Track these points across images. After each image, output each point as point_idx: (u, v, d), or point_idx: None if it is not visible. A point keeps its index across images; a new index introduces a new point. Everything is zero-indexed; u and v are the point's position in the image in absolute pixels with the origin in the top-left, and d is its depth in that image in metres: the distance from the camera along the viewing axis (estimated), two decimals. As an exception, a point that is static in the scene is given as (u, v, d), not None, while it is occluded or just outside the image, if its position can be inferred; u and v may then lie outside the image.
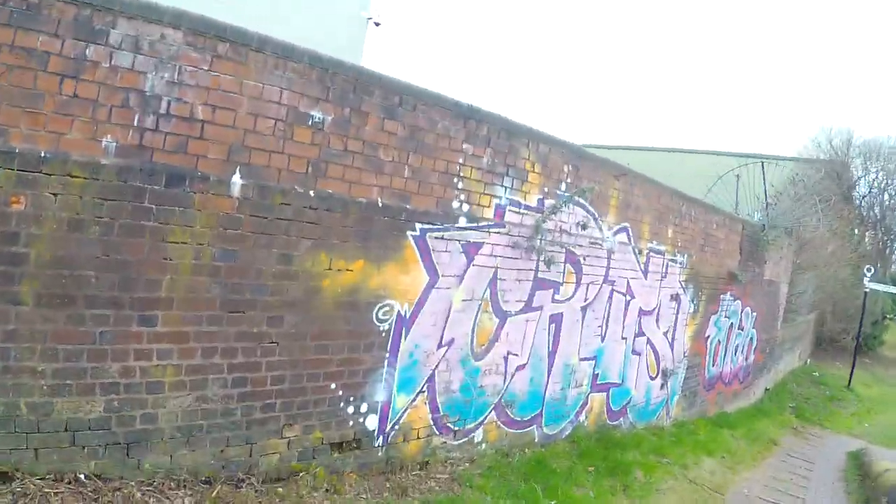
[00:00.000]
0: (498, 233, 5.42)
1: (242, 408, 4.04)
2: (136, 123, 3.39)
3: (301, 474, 4.35)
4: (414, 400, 5.03)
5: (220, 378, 3.92)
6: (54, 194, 3.19)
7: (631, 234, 7.34)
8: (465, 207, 5.11)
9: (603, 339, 7.18)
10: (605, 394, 7.47)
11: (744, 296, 11.36)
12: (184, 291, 3.70)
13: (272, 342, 4.12)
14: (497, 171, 5.34)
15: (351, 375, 4.57)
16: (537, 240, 5.77)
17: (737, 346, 11.64)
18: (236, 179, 3.80)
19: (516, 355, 5.93)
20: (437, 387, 5.18)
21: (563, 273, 6.30)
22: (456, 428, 5.45)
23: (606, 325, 7.19)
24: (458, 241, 5.09)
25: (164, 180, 3.52)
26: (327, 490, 4.41)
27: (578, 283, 6.55)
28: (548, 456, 6.39)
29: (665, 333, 8.69)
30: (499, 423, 5.92)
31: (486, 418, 5.74)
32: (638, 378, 8.19)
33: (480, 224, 5.25)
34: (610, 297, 7.13)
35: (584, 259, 6.54)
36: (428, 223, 4.83)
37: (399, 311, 4.76)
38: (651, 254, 7.88)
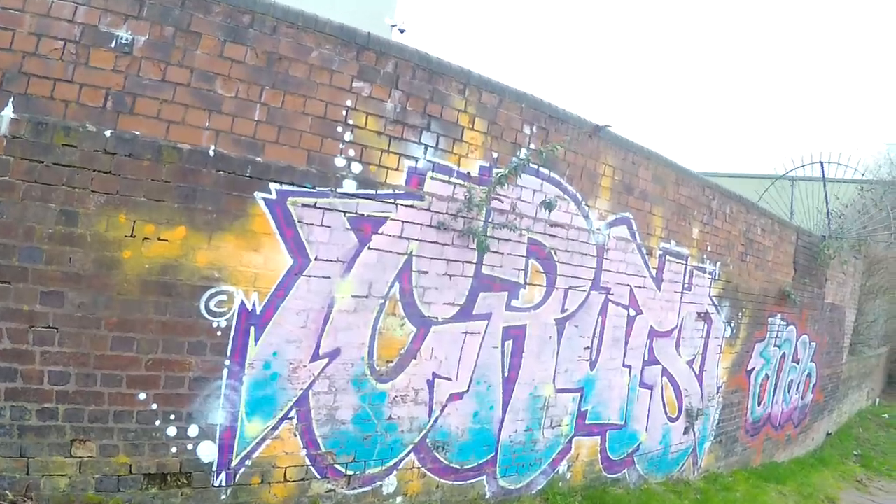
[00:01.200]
0: (412, 206, 3.97)
1: (12, 409, 2.94)
2: None
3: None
4: (275, 428, 3.61)
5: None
6: None
7: (635, 227, 5.68)
8: (357, 168, 3.70)
9: (593, 366, 5.50)
10: (598, 438, 5.75)
11: (800, 321, 9.29)
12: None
13: (49, 326, 2.96)
14: (411, 123, 3.91)
15: (170, 384, 3.25)
16: (479, 220, 4.25)
17: (790, 383, 9.52)
18: (6, 113, 2.84)
19: (448, 379, 4.39)
20: (313, 413, 3.74)
21: (526, 271, 4.73)
22: (349, 472, 3.96)
23: (598, 348, 5.51)
24: (344, 212, 3.67)
25: None
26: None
27: (551, 287, 4.95)
28: (503, 517, 4.77)
29: (689, 363, 6.87)
30: (424, 469, 4.37)
31: (400, 462, 4.21)
32: (650, 419, 6.39)
33: (382, 192, 3.81)
34: (603, 310, 5.47)
35: (558, 254, 4.95)
36: (291, 184, 3.44)
37: (244, 303, 3.38)
38: (667, 257, 6.16)
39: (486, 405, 4.67)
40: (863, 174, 11.10)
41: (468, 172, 4.22)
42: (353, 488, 4.00)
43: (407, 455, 4.24)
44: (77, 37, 2.94)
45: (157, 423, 3.23)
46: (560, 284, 5.02)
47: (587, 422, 5.57)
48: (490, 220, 4.35)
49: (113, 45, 2.99)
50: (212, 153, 3.22)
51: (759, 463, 8.94)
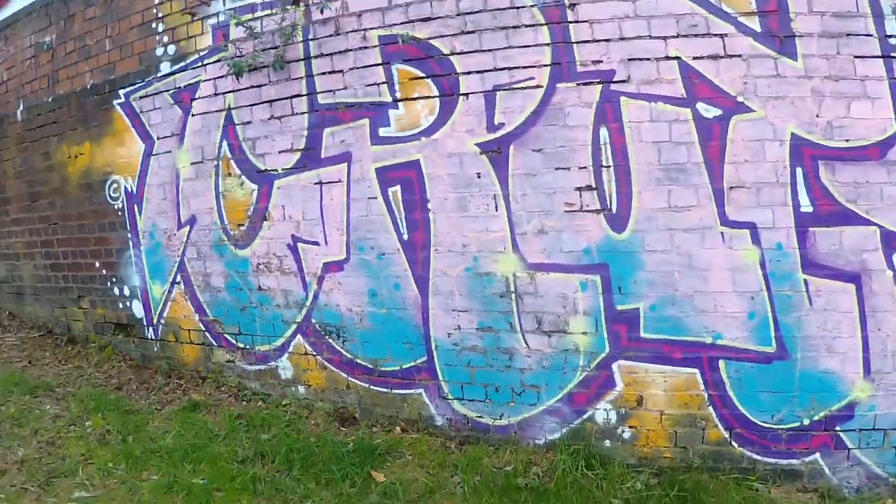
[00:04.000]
0: (218, 61, 3.70)
1: (53, 277, 4.84)
2: None
3: (92, 345, 4.59)
4: (170, 291, 4.11)
5: (39, 252, 4.93)
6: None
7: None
8: (171, 49, 3.94)
9: (623, 225, 2.78)
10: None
11: None
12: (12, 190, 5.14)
13: (54, 223, 4.76)
14: (204, -17, 3.73)
15: (107, 255, 4.43)
16: (295, 43, 3.40)
17: None
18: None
19: (314, 243, 3.49)
20: (192, 279, 3.99)
21: (390, 83, 3.20)
22: (241, 345, 3.86)
23: (625, 181, 2.76)
24: (166, 91, 3.95)
25: None
26: (98, 364, 4.35)
27: (451, 96, 3.06)
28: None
29: None
30: (321, 359, 3.59)
31: (289, 343, 3.69)
32: None
33: (190, 60, 3.83)
34: (604, 111, 2.75)
35: (447, 41, 3.01)
36: (132, 85, 4.12)
37: (126, 187, 4.21)
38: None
39: (384, 282, 3.33)
40: None
41: (271, -2, 3.48)
42: (251, 363, 3.84)
43: (293, 336, 3.67)
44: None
45: (108, 284, 4.41)
46: (470, 87, 3.00)
47: (642, 334, 2.80)
48: (310, 36, 3.35)
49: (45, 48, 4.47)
50: (89, 86, 4.33)
51: None
